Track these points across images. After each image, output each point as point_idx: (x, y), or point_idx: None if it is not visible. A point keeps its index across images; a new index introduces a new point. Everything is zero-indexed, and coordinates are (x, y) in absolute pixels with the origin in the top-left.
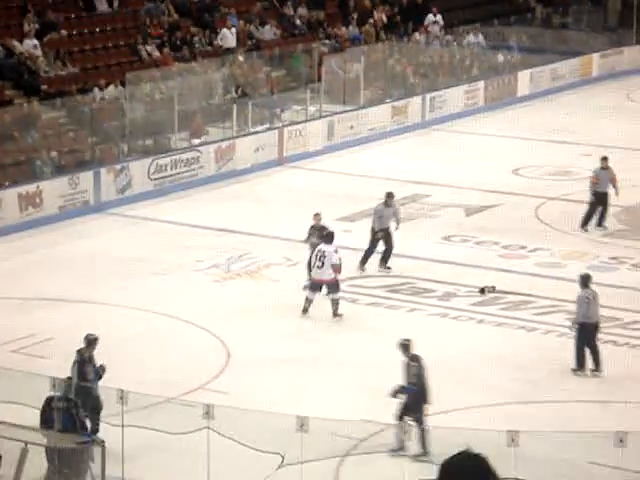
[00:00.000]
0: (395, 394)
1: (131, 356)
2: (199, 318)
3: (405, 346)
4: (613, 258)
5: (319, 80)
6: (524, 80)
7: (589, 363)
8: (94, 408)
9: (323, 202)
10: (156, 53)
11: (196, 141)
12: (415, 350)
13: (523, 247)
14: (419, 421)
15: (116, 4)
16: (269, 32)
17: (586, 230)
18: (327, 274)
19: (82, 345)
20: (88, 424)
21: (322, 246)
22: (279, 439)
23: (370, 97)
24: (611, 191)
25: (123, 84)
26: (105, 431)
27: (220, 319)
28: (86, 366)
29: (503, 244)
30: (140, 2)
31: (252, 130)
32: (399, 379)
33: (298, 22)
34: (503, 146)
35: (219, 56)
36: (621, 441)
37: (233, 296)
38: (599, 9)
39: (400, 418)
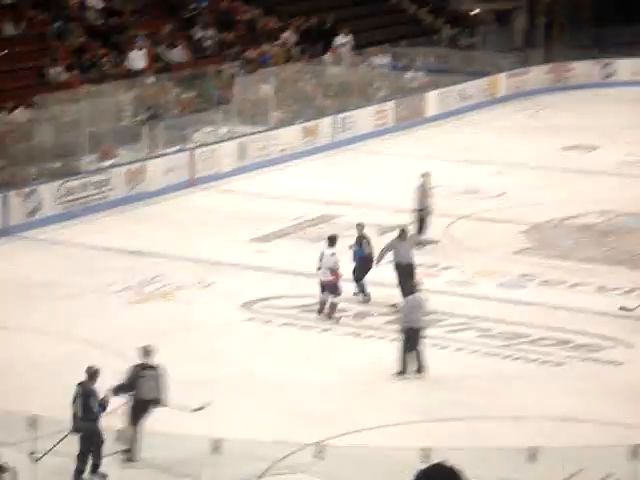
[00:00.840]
0: (111, 393)
1: (42, 381)
2: (111, 341)
3: (144, 352)
4: (522, 275)
5: (230, 101)
6: (433, 100)
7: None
8: (98, 443)
9: (236, 223)
10: (64, 75)
11: (106, 163)
12: (154, 359)
13: (434, 265)
14: (134, 425)
15: (23, 26)
16: (178, 54)
17: (424, 246)
18: (324, 276)
19: (82, 378)
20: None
21: (323, 249)
22: (193, 462)
23: (281, 118)
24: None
25: (31, 107)
26: (15, 457)
27: (133, 342)
28: (91, 400)
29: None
30: (47, 24)
31: (163, 152)
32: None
33: (208, 43)
34: (413, 165)
35: (128, 78)
36: (533, 456)
37: (146, 318)
38: (505, 30)
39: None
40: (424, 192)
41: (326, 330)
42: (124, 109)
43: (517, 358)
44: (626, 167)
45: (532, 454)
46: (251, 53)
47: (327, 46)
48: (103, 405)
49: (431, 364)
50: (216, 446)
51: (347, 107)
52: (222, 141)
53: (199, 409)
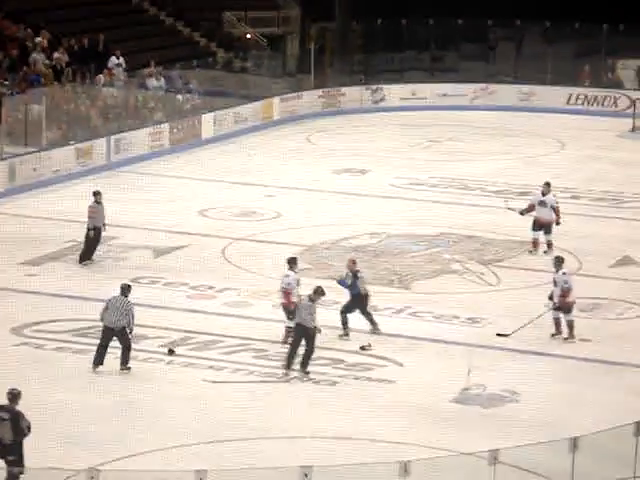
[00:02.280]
0: None
1: None
2: None
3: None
4: (298, 296)
5: None
6: (208, 123)
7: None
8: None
9: (5, 246)
10: None
11: None
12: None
13: (211, 287)
14: None
15: None
16: None
17: (85, 265)
18: (280, 298)
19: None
20: None
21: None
22: None
23: (53, 139)
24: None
25: None
26: None
27: None
28: (21, 422)
29: (192, 285)
30: None
31: None
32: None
33: None
34: (189, 188)
35: None
36: (306, 476)
37: None
38: (278, 55)
39: None
40: (96, 211)
41: None
42: None
43: (292, 378)
44: (396, 190)
45: (305, 473)
46: (21, 72)
47: (100, 67)
48: (29, 426)
49: (207, 386)
50: None
51: (122, 128)
52: None
53: None
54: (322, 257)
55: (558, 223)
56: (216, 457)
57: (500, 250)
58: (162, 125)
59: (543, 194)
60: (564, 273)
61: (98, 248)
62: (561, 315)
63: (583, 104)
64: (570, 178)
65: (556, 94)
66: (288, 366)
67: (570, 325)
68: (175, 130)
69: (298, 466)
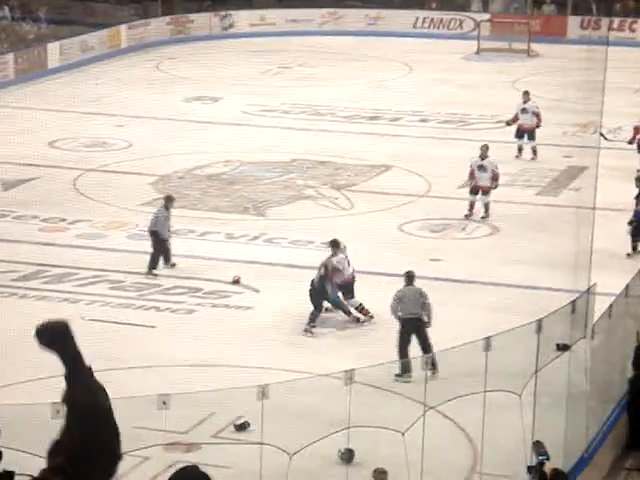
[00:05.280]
0: None
1: None
2: None
3: None
4: None
5: None
6: (54, 52)
7: None
8: None
9: None
10: None
11: None
12: None
13: (63, 220)
14: None
15: None
16: None
17: None
18: None
19: None
20: None
21: None
22: None
23: None
24: None
25: None
26: None
27: None
28: None
29: (43, 217)
30: None
31: None
32: None
33: None
34: (37, 119)
35: None
36: (164, 403)
37: None
38: None
39: None
40: None
41: None
42: None
43: (149, 308)
44: (248, 117)
45: (163, 401)
46: None
47: None
48: None
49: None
50: None
51: None
52: None
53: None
54: (176, 186)
55: (538, 126)
56: None
57: (352, 175)
58: (6, 55)
59: (524, 102)
60: (490, 161)
61: None
62: (478, 197)
63: (429, 27)
64: (418, 101)
65: (403, 18)
66: (404, 370)
67: (487, 206)
68: (20, 60)
69: (156, 394)
